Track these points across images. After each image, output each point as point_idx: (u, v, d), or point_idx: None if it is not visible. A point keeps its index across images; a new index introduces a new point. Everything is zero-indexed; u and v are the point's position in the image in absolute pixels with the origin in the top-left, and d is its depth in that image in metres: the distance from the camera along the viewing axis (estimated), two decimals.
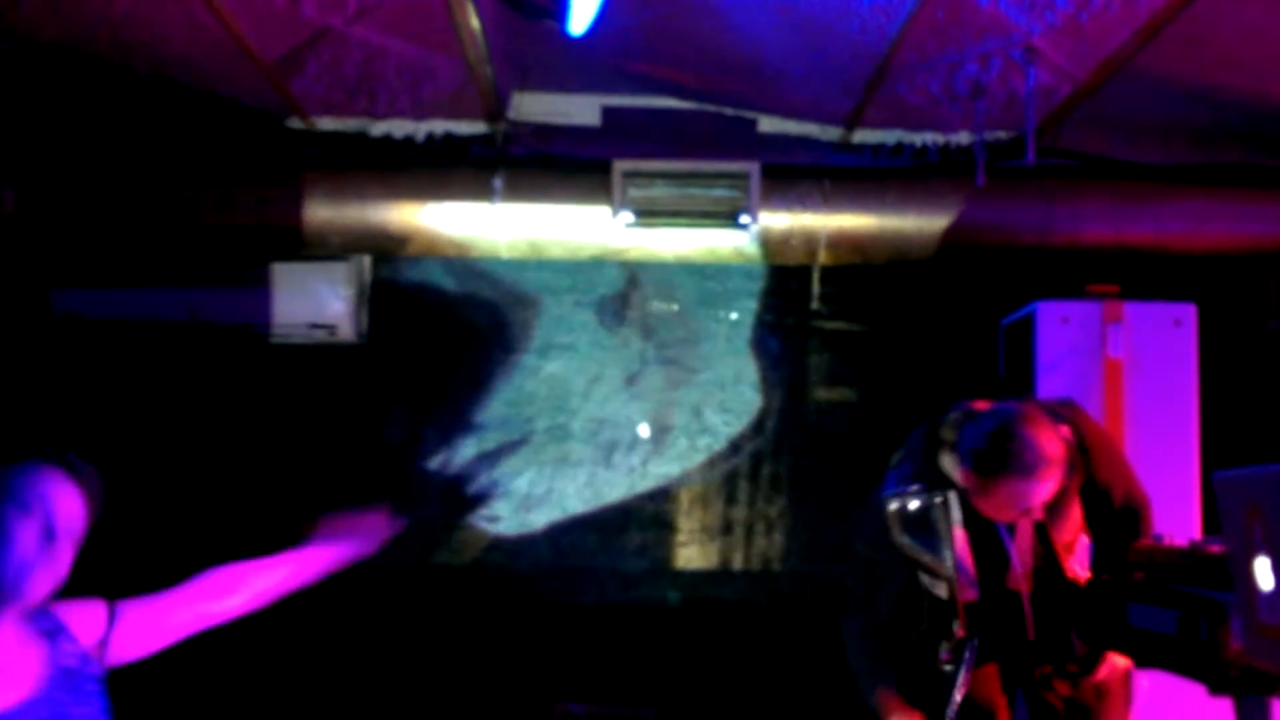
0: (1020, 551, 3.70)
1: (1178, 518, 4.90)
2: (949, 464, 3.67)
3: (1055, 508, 3.64)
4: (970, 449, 3.56)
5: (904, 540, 3.76)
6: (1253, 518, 2.43)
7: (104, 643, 2.63)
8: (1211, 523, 5.01)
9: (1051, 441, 3.50)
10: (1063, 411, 3.80)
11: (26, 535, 2.40)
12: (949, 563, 3.69)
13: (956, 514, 3.68)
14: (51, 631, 2.55)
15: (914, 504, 3.72)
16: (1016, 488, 3.50)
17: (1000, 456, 3.49)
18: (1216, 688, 2.93)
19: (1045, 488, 3.51)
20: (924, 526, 3.72)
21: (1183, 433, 5.22)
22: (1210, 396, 5.31)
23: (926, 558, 3.74)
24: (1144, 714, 4.12)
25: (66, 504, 2.46)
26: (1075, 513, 3.76)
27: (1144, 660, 3.47)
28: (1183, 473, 5.18)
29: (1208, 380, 5.30)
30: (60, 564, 2.45)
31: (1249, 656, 2.60)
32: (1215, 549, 3.15)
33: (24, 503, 2.40)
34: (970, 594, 3.70)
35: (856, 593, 4.02)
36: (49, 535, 2.42)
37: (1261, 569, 2.43)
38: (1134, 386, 5.21)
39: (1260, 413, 5.56)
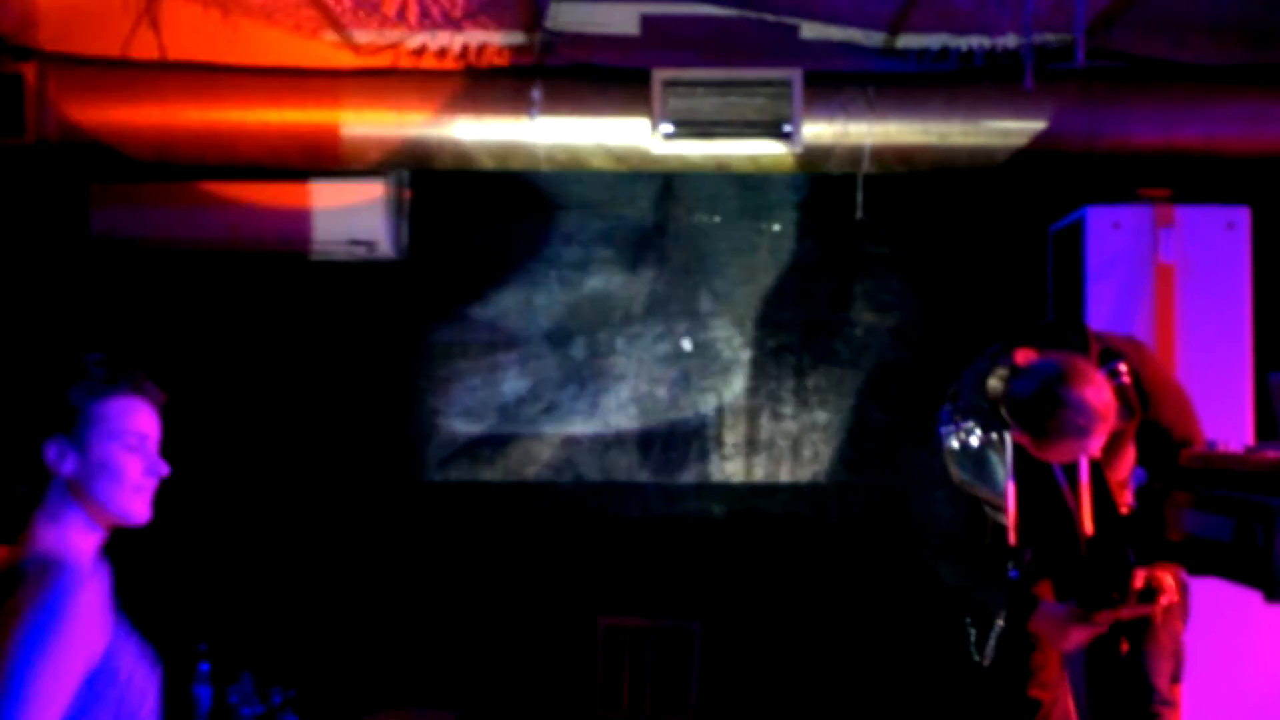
0: (1074, 487, 3.66)
1: (1230, 424, 4.83)
2: (1001, 412, 3.64)
3: (1110, 447, 3.60)
4: (1018, 413, 3.54)
5: (964, 477, 3.78)
6: None
7: None
8: (1265, 429, 4.95)
9: (1100, 394, 3.46)
10: (1124, 349, 3.74)
11: (135, 469, 2.45)
12: (1008, 495, 3.68)
13: (1009, 452, 3.66)
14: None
15: (972, 440, 3.71)
16: (1069, 445, 3.50)
17: (1049, 421, 3.46)
18: (1272, 594, 2.90)
19: (1097, 441, 3.50)
20: (981, 463, 3.72)
21: (1235, 338, 5.13)
22: (1264, 301, 5.22)
23: (986, 492, 3.74)
24: (1199, 624, 4.07)
25: (158, 432, 2.51)
26: (1130, 452, 3.73)
27: (1199, 568, 3.44)
28: (1236, 378, 5.09)
29: (1261, 285, 5.21)
30: (156, 488, 2.51)
31: None
32: (1271, 454, 3.10)
33: (131, 442, 2.45)
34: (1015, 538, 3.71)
35: (925, 521, 4.00)
36: (152, 466, 2.48)
37: None
38: (1186, 292, 5.13)
39: None
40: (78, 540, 2.42)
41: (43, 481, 2.40)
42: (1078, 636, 3.71)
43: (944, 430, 3.81)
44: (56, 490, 2.41)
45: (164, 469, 2.50)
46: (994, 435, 3.68)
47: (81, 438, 2.41)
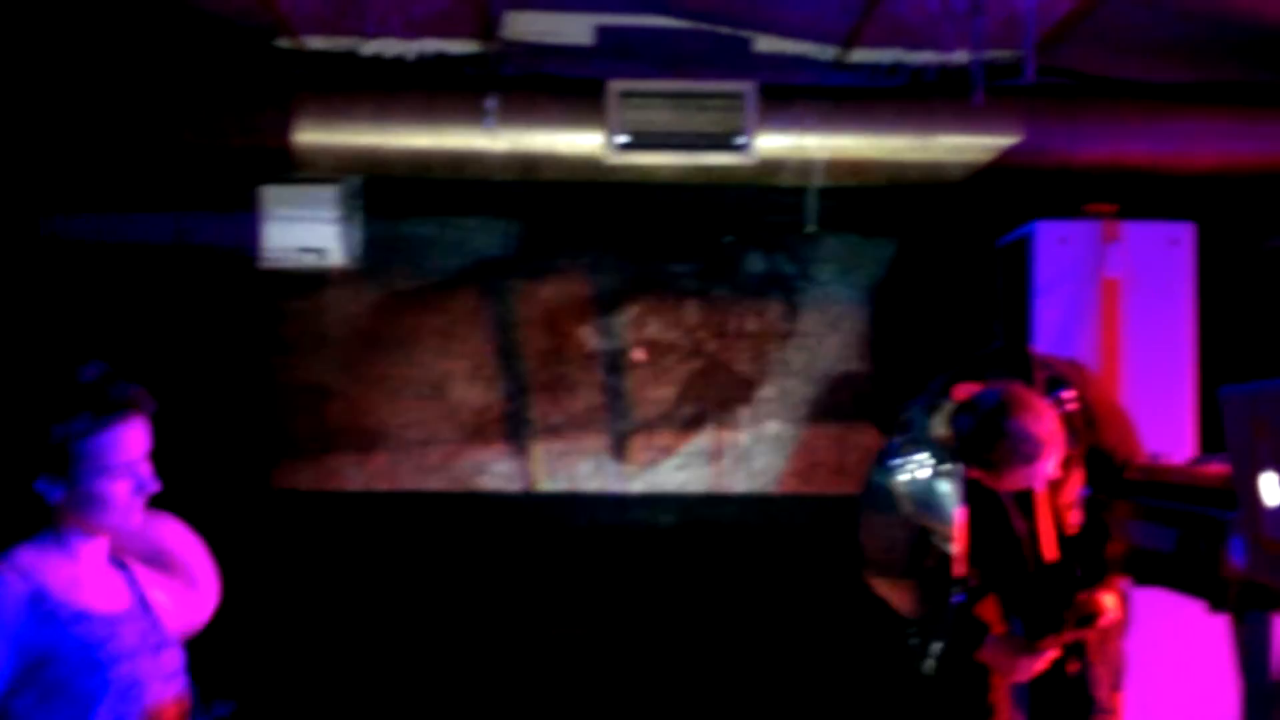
0: (1024, 512, 3.71)
1: (1174, 438, 4.89)
2: (949, 446, 3.69)
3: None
4: (966, 447, 3.57)
5: (913, 509, 3.82)
6: (1259, 434, 2.42)
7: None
8: (1207, 443, 5.01)
9: (1042, 423, 3.49)
10: (1069, 374, 3.79)
11: (123, 495, 2.51)
12: (957, 524, 3.73)
13: (959, 485, 3.71)
14: (120, 564, 2.67)
15: (921, 473, 3.75)
16: (1019, 473, 3.52)
17: (993, 454, 3.49)
18: (1215, 604, 2.94)
19: (1046, 466, 3.53)
20: (930, 494, 3.77)
21: (1179, 352, 5.20)
22: (1207, 316, 5.29)
23: (935, 523, 3.79)
24: (1144, 632, 4.13)
25: (145, 446, 2.56)
26: (1078, 475, 3.77)
27: (1143, 578, 3.49)
28: (1178, 392, 5.17)
29: (1205, 300, 5.29)
30: (140, 501, 2.57)
31: (1253, 572, 2.60)
32: (1214, 468, 3.15)
33: (116, 473, 2.50)
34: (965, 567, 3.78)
35: (873, 553, 4.01)
36: (140, 487, 2.54)
37: (1267, 484, 2.43)
38: (1131, 306, 5.19)
39: (1256, 332, 5.55)
40: (79, 544, 2.52)
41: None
42: (1028, 667, 3.75)
43: (894, 463, 3.84)
44: (53, 511, 2.50)
45: (153, 487, 2.56)
46: (944, 466, 3.72)
47: (70, 474, 2.47)
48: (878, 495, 3.90)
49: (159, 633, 2.61)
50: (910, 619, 4.02)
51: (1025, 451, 3.46)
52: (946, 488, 3.74)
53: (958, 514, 3.72)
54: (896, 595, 3.98)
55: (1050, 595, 3.73)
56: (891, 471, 3.84)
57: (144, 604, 2.63)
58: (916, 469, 3.78)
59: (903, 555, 3.93)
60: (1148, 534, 3.27)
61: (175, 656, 2.64)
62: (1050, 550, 3.71)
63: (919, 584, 3.91)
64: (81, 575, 2.52)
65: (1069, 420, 3.62)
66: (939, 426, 3.70)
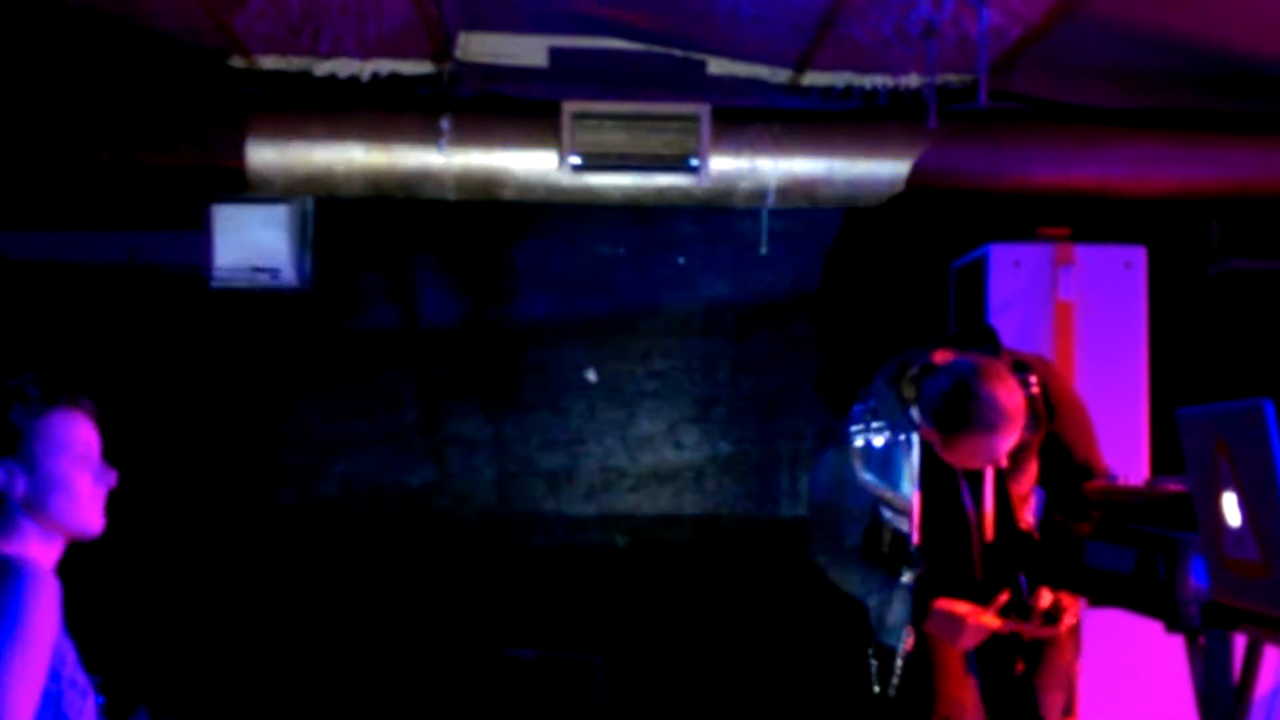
0: (976, 498, 3.72)
1: (1128, 459, 4.92)
2: (912, 413, 3.69)
3: (1015, 458, 3.66)
4: (930, 407, 3.58)
5: (867, 476, 3.83)
6: (1219, 454, 2.44)
7: None
8: (1160, 464, 5.05)
9: (1012, 396, 3.52)
10: (1034, 364, 3.82)
11: (86, 483, 2.47)
12: (910, 499, 3.74)
13: (916, 455, 3.71)
14: None
15: (878, 441, 3.76)
16: (978, 443, 3.53)
17: (961, 415, 3.50)
18: (1173, 625, 2.95)
19: (1007, 441, 3.54)
20: (886, 464, 3.76)
21: (1132, 374, 5.25)
22: (1159, 339, 5.34)
23: (889, 494, 3.79)
24: (1098, 654, 4.14)
25: (97, 440, 2.53)
26: (1033, 467, 3.79)
27: (1101, 599, 3.50)
28: (1132, 413, 5.21)
29: (1156, 323, 5.33)
30: (101, 495, 2.53)
31: (1215, 593, 2.61)
32: (1171, 488, 3.17)
33: (76, 451, 2.47)
34: (919, 538, 3.77)
35: (826, 527, 4.00)
36: (100, 477, 2.50)
37: (1229, 505, 2.44)
38: (1084, 329, 5.23)
39: (1206, 356, 5.61)
40: (35, 552, 2.42)
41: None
42: (973, 634, 3.71)
43: (853, 429, 3.85)
44: (10, 511, 2.41)
45: (112, 477, 2.51)
46: (901, 437, 3.74)
47: (29, 456, 2.42)
48: (832, 466, 3.91)
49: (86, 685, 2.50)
50: (867, 634, 4.03)
51: (989, 419, 3.47)
52: (903, 456, 3.75)
53: (914, 491, 3.73)
54: (852, 582, 3.98)
55: (995, 584, 3.72)
56: (850, 438, 3.84)
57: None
58: (875, 434, 3.79)
59: (857, 542, 3.95)
60: (1106, 555, 3.28)
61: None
62: (1000, 537, 3.71)
63: (874, 569, 3.93)
64: None
65: (1032, 403, 3.64)
66: (906, 389, 3.71)
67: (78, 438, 2.47)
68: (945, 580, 3.81)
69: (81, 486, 2.46)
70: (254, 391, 5.86)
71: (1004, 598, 3.68)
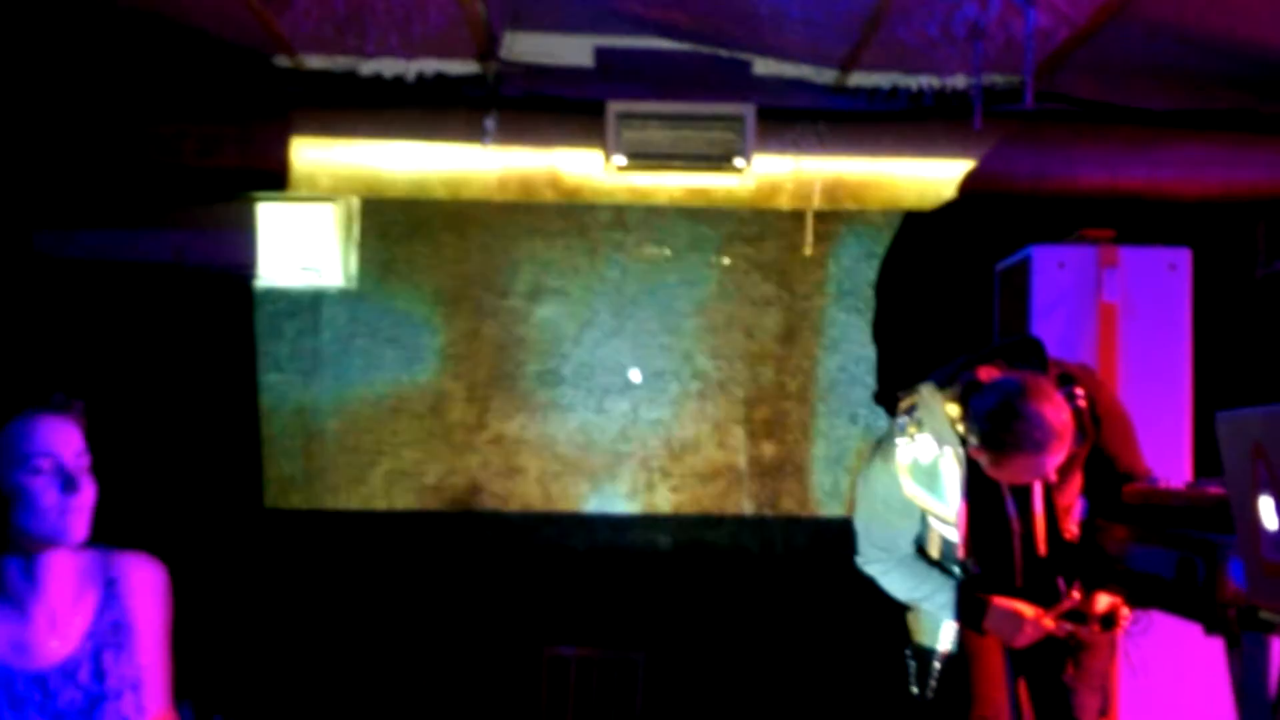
0: (1022, 511, 3.70)
1: (1170, 462, 4.89)
2: (958, 427, 3.68)
3: (1061, 471, 3.64)
4: (978, 427, 3.57)
5: (915, 490, 3.80)
6: (1256, 458, 2.42)
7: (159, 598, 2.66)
8: (1203, 467, 5.01)
9: (1059, 413, 3.50)
10: (1080, 376, 3.80)
11: (48, 493, 2.40)
12: (957, 512, 3.73)
13: (961, 468, 3.71)
14: (110, 581, 2.57)
15: (923, 453, 3.74)
16: (1027, 462, 3.52)
17: (1008, 435, 3.49)
18: (1212, 628, 2.94)
19: (1055, 459, 3.53)
20: (933, 477, 3.75)
21: (1175, 377, 5.20)
22: (1202, 342, 5.30)
23: (934, 506, 3.78)
24: (1138, 657, 4.12)
25: (72, 444, 2.45)
26: (1078, 478, 3.77)
27: (1140, 601, 3.48)
28: (1175, 416, 5.16)
29: (1200, 325, 5.29)
30: (85, 500, 2.45)
31: (1252, 596, 2.60)
32: (1211, 492, 3.15)
33: (36, 465, 2.39)
34: (965, 550, 3.78)
35: (874, 538, 3.99)
36: (68, 484, 2.42)
37: (1266, 508, 2.42)
38: (1128, 331, 5.20)
39: (1250, 359, 5.56)
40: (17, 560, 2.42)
41: None
42: (1030, 634, 3.70)
43: (898, 440, 3.83)
44: None
45: (84, 487, 2.43)
46: (948, 449, 3.72)
47: None
48: (879, 477, 3.89)
49: (101, 685, 2.48)
50: (908, 638, 4.03)
51: (1037, 438, 3.46)
52: (949, 471, 3.73)
53: (960, 505, 3.72)
54: (903, 586, 3.97)
55: (1038, 598, 3.71)
56: (894, 451, 3.82)
57: (114, 628, 2.52)
58: (920, 447, 3.77)
59: (899, 542, 3.94)
60: (1146, 558, 3.27)
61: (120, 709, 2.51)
62: (1042, 547, 3.69)
63: (924, 572, 3.92)
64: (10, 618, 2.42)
65: (1079, 416, 3.62)
66: (950, 407, 3.70)
67: (36, 447, 2.39)
68: (991, 587, 3.81)
69: (43, 498, 2.39)
70: (297, 389, 5.89)
71: (1068, 603, 3.67)
